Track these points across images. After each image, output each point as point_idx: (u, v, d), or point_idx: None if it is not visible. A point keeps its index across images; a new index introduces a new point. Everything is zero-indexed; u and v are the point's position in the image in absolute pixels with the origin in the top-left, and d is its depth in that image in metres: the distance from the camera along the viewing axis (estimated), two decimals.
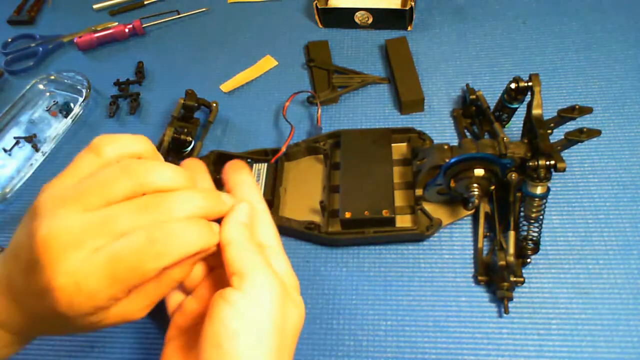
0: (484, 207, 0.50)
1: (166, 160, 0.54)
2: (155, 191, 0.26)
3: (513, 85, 0.49)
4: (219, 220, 0.30)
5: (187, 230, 0.25)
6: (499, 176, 0.46)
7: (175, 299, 0.33)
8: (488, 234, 0.50)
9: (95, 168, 0.27)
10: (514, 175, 0.46)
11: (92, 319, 0.26)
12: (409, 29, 0.70)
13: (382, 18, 0.69)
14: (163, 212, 0.25)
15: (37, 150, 0.64)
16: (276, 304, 0.28)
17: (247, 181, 0.33)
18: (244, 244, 0.29)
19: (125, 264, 0.24)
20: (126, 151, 0.28)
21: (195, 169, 0.32)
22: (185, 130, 0.59)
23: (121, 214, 0.25)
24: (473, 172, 0.45)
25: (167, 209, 0.25)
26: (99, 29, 0.77)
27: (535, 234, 0.46)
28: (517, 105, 0.52)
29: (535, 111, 0.46)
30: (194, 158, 0.33)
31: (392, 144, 0.54)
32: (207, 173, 0.33)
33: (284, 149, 0.55)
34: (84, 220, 0.24)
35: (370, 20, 0.70)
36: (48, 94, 0.71)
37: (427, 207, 0.51)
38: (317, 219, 0.52)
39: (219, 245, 0.29)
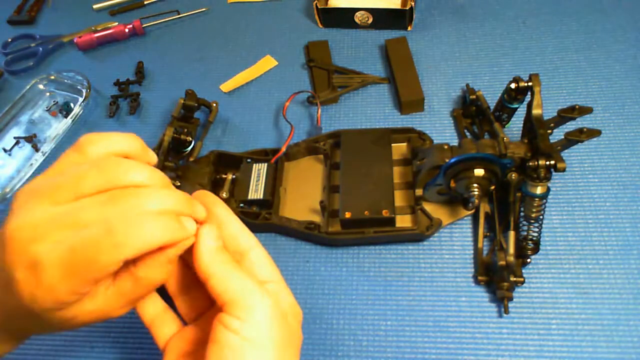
0: (484, 207, 0.50)
1: (166, 160, 0.55)
2: (127, 187, 0.25)
3: (513, 85, 0.49)
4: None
5: (149, 221, 0.24)
6: (499, 176, 0.46)
7: (166, 332, 0.32)
8: (488, 234, 0.50)
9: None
10: (514, 175, 0.46)
11: (63, 314, 0.25)
12: (409, 29, 0.70)
13: (382, 18, 0.69)
14: (129, 205, 0.24)
15: (37, 150, 0.65)
16: (274, 322, 0.28)
17: (231, 216, 0.31)
18: (224, 272, 0.28)
19: (82, 256, 0.23)
20: (111, 150, 0.27)
21: (208, 201, 0.31)
22: (185, 130, 0.59)
23: (87, 206, 0.24)
24: (473, 172, 0.45)
25: (134, 202, 0.25)
26: (99, 29, 0.77)
27: (535, 234, 0.46)
28: (517, 105, 0.52)
29: (535, 111, 0.46)
30: (204, 190, 0.31)
31: (392, 144, 0.54)
32: (223, 204, 0.31)
33: (284, 149, 0.55)
34: (50, 213, 0.24)
35: (370, 20, 0.70)
36: (48, 94, 0.71)
37: (427, 207, 0.51)
38: (317, 219, 0.52)
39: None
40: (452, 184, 0.47)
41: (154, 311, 0.32)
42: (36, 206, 0.24)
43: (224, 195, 0.54)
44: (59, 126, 0.66)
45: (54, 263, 0.23)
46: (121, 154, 0.28)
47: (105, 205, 0.24)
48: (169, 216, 0.26)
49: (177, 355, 0.31)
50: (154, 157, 0.30)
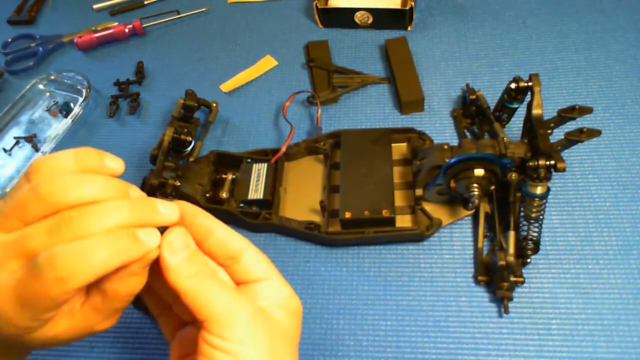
0: (484, 207, 0.50)
1: (166, 160, 0.55)
2: (71, 207, 0.24)
3: (513, 85, 0.49)
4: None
5: (95, 247, 0.23)
6: (499, 176, 0.46)
7: (171, 326, 0.32)
8: (488, 234, 0.50)
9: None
10: (514, 175, 0.46)
11: (39, 336, 0.25)
12: (409, 29, 0.70)
13: (382, 18, 0.69)
14: (73, 229, 0.23)
15: (37, 150, 0.65)
16: (259, 332, 0.27)
17: (216, 223, 0.29)
18: (194, 287, 0.26)
19: (31, 289, 0.23)
20: (58, 171, 0.25)
21: (187, 212, 0.28)
22: (185, 130, 0.59)
23: (34, 234, 0.23)
24: (473, 172, 0.45)
25: (78, 226, 0.23)
26: (99, 29, 0.77)
27: (535, 234, 0.46)
28: (517, 105, 0.52)
29: (535, 111, 0.46)
30: (182, 201, 0.29)
31: (392, 144, 0.54)
32: (204, 213, 0.29)
33: (284, 149, 0.55)
34: (2, 242, 0.24)
35: (370, 20, 0.70)
36: (48, 94, 0.71)
37: (427, 207, 0.51)
38: (317, 219, 0.52)
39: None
40: (452, 184, 0.46)
41: (160, 305, 0.32)
42: None
43: (224, 195, 0.54)
44: (59, 126, 0.66)
45: (7, 294, 0.23)
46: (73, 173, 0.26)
47: (50, 233, 0.23)
48: (120, 235, 0.24)
49: (180, 354, 0.31)
50: (116, 166, 0.27)
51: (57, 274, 0.22)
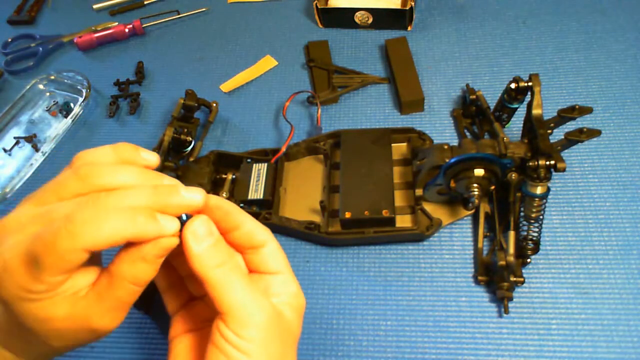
0: (484, 207, 0.50)
1: (166, 160, 0.55)
2: (105, 190, 0.26)
3: (513, 85, 0.49)
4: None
5: (112, 213, 0.24)
6: (499, 176, 0.46)
7: (177, 301, 0.32)
8: (488, 234, 0.50)
9: None
10: (514, 175, 0.46)
11: (36, 311, 0.26)
12: (409, 29, 0.70)
13: (382, 18, 0.69)
14: (99, 202, 0.25)
15: (37, 150, 0.65)
16: (271, 335, 0.28)
17: (245, 215, 0.30)
18: (218, 278, 0.27)
19: (41, 242, 0.24)
20: (99, 162, 0.28)
21: (218, 206, 0.29)
22: (185, 130, 0.59)
23: (63, 206, 0.26)
24: (473, 172, 0.45)
25: (104, 200, 0.25)
26: (99, 29, 0.77)
27: (535, 234, 0.46)
28: (517, 105, 0.52)
29: (535, 111, 0.46)
30: (219, 197, 0.30)
31: (392, 144, 0.54)
32: (234, 206, 0.30)
33: (284, 149, 0.55)
34: (33, 212, 0.26)
35: (370, 20, 0.70)
36: (48, 94, 0.71)
37: (427, 207, 0.51)
38: (317, 219, 0.52)
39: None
40: (452, 184, 0.47)
41: (167, 279, 0.33)
42: (24, 207, 0.26)
43: (224, 195, 0.54)
44: (59, 126, 0.66)
45: (19, 250, 0.25)
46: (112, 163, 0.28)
47: (78, 206, 0.25)
48: (140, 210, 0.25)
49: (183, 329, 0.31)
50: (151, 158, 0.29)
51: (70, 228, 0.24)
